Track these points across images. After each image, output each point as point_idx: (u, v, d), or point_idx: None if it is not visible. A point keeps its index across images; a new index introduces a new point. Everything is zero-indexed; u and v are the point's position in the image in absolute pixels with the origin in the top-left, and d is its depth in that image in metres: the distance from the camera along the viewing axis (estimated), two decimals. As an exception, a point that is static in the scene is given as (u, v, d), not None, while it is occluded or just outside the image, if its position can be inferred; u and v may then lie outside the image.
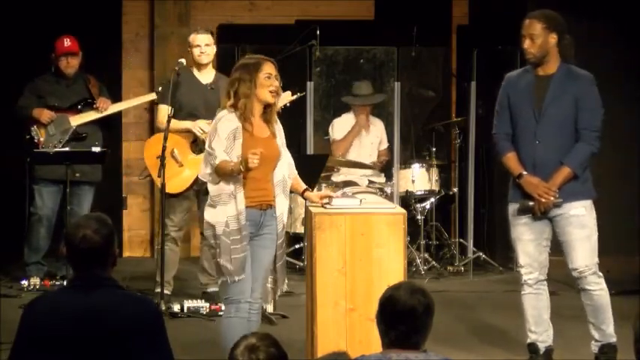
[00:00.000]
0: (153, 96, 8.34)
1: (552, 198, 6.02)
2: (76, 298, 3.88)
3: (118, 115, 9.73)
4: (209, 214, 5.63)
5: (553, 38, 6.08)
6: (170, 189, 7.74)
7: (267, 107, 5.67)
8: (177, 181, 7.68)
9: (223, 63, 9.88)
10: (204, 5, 10.28)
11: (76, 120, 8.42)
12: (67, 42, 8.49)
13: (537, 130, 6.09)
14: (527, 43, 6.09)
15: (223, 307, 7.32)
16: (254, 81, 5.57)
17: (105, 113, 8.45)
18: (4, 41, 9.38)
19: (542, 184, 6.05)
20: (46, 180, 8.45)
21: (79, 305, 3.85)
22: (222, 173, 5.56)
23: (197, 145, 7.81)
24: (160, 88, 8.10)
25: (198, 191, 7.88)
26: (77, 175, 8.31)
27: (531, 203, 6.07)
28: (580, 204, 6.10)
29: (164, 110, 7.80)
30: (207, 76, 7.97)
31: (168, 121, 7.53)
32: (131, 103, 8.77)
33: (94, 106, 8.44)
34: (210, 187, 5.67)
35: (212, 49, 7.94)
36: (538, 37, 6.06)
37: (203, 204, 7.90)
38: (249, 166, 5.42)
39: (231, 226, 5.54)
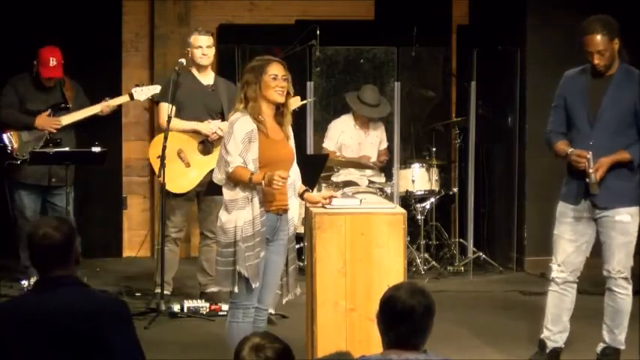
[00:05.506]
0: (126, 98, 8.12)
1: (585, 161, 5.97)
2: (40, 299, 3.88)
3: (116, 115, 9.73)
4: (224, 219, 5.56)
5: (616, 44, 6.07)
6: (175, 189, 7.73)
7: (279, 109, 5.66)
8: (183, 181, 7.66)
9: (223, 63, 9.92)
10: (204, 5, 10.27)
11: None
12: (52, 62, 8.13)
13: (592, 132, 6.09)
14: (596, 59, 6.03)
15: (224, 307, 7.37)
16: (259, 83, 5.56)
17: (85, 115, 8.13)
18: (4, 41, 9.38)
19: (583, 152, 6.01)
20: (24, 184, 8.39)
21: (44, 306, 3.84)
22: (237, 181, 5.51)
23: (205, 145, 7.80)
24: (139, 86, 8.01)
25: (199, 192, 7.88)
26: (53, 180, 8.26)
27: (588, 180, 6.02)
28: (626, 210, 6.11)
29: (165, 108, 7.78)
30: (207, 77, 7.97)
31: (169, 121, 7.53)
32: (112, 103, 8.10)
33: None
34: (226, 192, 5.59)
35: (212, 51, 7.95)
36: (606, 51, 6.04)
37: (203, 205, 7.97)
38: (273, 187, 5.43)
39: (247, 231, 5.50)
